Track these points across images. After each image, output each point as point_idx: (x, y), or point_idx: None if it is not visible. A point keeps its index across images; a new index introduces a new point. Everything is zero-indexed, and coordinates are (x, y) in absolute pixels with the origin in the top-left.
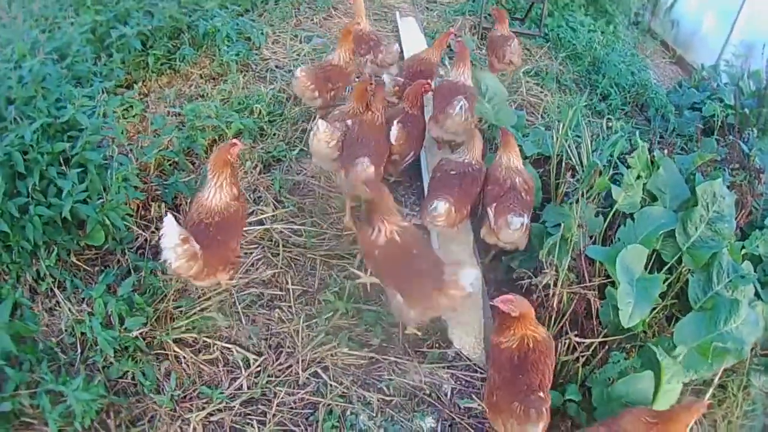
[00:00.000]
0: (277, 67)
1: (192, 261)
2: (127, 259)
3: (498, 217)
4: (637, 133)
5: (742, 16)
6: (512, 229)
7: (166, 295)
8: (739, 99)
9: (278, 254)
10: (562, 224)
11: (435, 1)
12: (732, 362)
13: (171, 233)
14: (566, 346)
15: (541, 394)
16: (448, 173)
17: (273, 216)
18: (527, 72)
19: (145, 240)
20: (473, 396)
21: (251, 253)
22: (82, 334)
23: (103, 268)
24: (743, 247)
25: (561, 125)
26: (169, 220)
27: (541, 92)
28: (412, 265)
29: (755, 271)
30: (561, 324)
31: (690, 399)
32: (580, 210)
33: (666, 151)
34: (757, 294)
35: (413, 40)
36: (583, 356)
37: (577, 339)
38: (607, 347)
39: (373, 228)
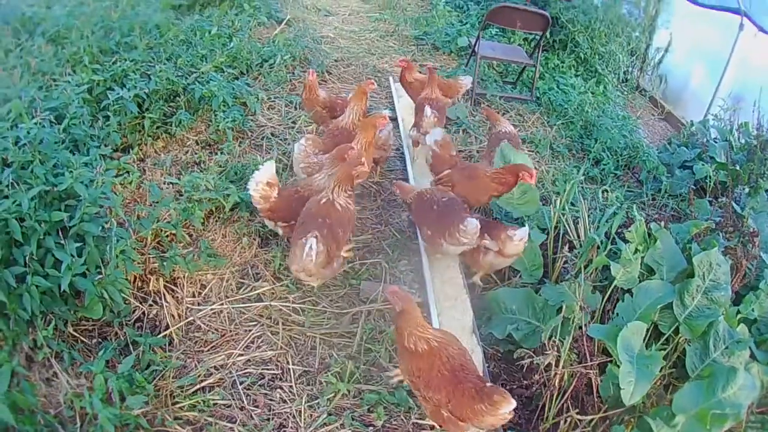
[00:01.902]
0: (272, 134)
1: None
2: (125, 333)
3: None
4: (634, 206)
5: (730, 68)
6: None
7: (165, 373)
8: (729, 155)
9: (278, 332)
10: (564, 305)
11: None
12: (729, 425)
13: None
14: (567, 423)
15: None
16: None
17: (272, 293)
18: (523, 140)
19: (143, 313)
20: None
21: (251, 331)
22: (82, 408)
23: (100, 340)
24: (738, 312)
25: (558, 199)
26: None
27: (535, 160)
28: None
29: (750, 332)
30: (562, 402)
31: None
32: (581, 291)
33: (663, 223)
34: (752, 355)
35: (407, 105)
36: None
37: (579, 416)
38: (608, 421)
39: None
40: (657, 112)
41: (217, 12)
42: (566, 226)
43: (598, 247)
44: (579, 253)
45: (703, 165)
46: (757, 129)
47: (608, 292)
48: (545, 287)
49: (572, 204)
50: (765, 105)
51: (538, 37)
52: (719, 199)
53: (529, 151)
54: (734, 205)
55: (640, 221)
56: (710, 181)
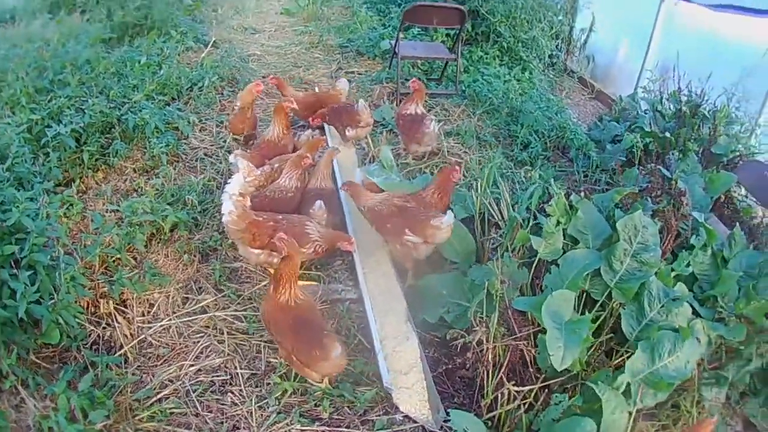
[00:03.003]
0: (205, 155)
1: None
2: (83, 355)
3: None
4: (552, 181)
5: (655, 39)
6: None
7: (123, 389)
8: (659, 124)
9: (224, 341)
10: (486, 282)
11: (353, 72)
12: (680, 380)
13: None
14: (506, 396)
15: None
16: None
17: (215, 304)
18: (448, 133)
19: (98, 336)
20: None
21: (198, 342)
22: (50, 428)
23: (61, 365)
24: (672, 270)
25: (479, 184)
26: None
27: (462, 150)
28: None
29: (692, 291)
30: (499, 376)
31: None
32: (502, 265)
33: (583, 194)
34: (695, 313)
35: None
36: (525, 403)
37: (515, 388)
38: (547, 390)
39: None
40: (587, 92)
41: (146, 41)
42: (490, 208)
43: (522, 225)
44: (504, 233)
45: (629, 135)
46: (686, 95)
47: (533, 266)
48: (472, 269)
49: (496, 186)
50: (692, 71)
51: (457, 31)
52: (647, 166)
53: (455, 142)
54: (663, 169)
55: (559, 195)
56: (637, 150)
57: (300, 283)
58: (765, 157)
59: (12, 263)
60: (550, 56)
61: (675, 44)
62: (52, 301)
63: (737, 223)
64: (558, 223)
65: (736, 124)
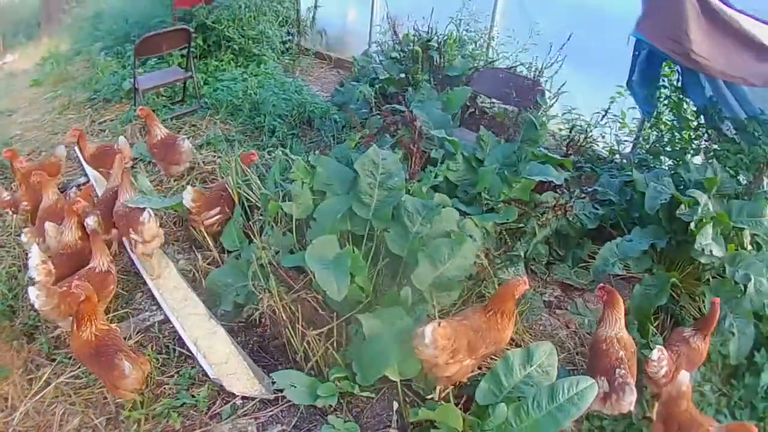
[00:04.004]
0: None
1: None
2: None
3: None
4: (287, 150)
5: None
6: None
7: None
8: (394, 69)
9: (75, 402)
10: (253, 255)
11: (105, 120)
12: (466, 275)
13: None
14: (312, 344)
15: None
16: None
17: (54, 374)
18: (200, 146)
19: None
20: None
21: (55, 413)
22: None
23: None
24: (422, 184)
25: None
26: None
27: (216, 157)
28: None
29: (458, 197)
30: (298, 329)
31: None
32: (268, 237)
33: (318, 152)
34: (463, 213)
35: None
36: (332, 343)
37: (312, 332)
38: (347, 325)
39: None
40: (326, 64)
41: None
42: (245, 195)
43: (275, 199)
44: (262, 211)
45: (360, 90)
46: (415, 35)
47: (294, 229)
48: (243, 250)
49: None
50: (417, 13)
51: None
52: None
53: (207, 152)
54: (396, 106)
55: (296, 159)
56: (371, 99)
57: (113, 326)
58: (506, 65)
59: None
60: (282, 43)
61: None
62: None
63: (481, 126)
64: (303, 183)
65: (469, 45)
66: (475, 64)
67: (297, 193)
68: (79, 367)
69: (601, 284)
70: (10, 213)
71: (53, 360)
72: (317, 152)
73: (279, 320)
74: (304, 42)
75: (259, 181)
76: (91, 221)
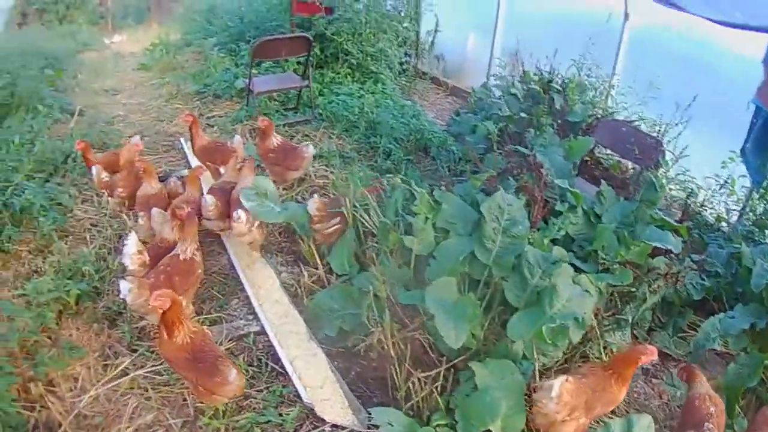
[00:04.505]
0: (92, 225)
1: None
2: None
3: None
4: (412, 182)
5: (500, 30)
6: None
7: None
8: (514, 107)
9: (150, 397)
10: (371, 286)
11: (213, 116)
12: (578, 336)
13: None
14: (417, 384)
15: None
16: None
17: (133, 364)
18: (315, 157)
19: (36, 420)
20: None
21: (128, 404)
22: None
23: None
24: (545, 236)
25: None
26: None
27: (328, 171)
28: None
29: (573, 251)
30: (405, 368)
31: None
32: (384, 268)
33: (444, 187)
34: (578, 270)
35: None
36: (437, 387)
37: (422, 374)
38: (455, 370)
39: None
40: (442, 90)
41: (15, 120)
42: (362, 220)
43: (394, 228)
44: (379, 239)
45: (484, 124)
46: (537, 74)
47: (412, 263)
48: (356, 277)
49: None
50: (539, 51)
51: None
52: (504, 148)
53: (321, 165)
54: (519, 148)
55: (421, 192)
56: (493, 136)
57: (205, 329)
58: (624, 116)
59: None
60: (400, 63)
61: (519, 29)
62: None
63: (602, 180)
64: (426, 218)
65: (589, 91)
66: (594, 112)
67: (419, 227)
68: (161, 364)
69: (683, 365)
70: (106, 195)
71: (134, 351)
72: (442, 187)
73: (387, 355)
74: (421, 65)
75: (377, 208)
76: (209, 201)
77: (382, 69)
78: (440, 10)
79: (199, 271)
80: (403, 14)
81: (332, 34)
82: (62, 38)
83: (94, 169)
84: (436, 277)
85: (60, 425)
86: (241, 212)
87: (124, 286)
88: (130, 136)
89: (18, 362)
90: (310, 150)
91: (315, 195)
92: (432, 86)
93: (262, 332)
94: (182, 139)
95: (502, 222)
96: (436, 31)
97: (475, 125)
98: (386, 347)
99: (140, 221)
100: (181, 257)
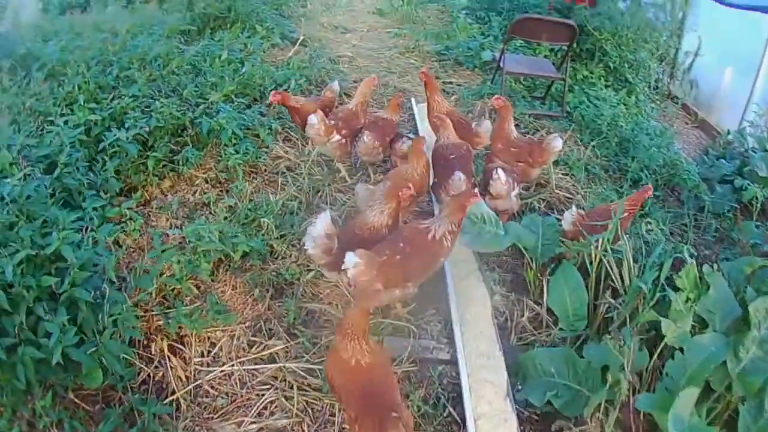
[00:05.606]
0: (288, 169)
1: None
2: (128, 399)
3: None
4: (685, 248)
5: (763, 71)
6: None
7: None
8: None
9: (293, 398)
10: (609, 376)
11: (451, 82)
12: None
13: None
14: None
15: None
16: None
17: (286, 352)
18: (554, 162)
19: (149, 376)
20: None
21: (263, 396)
22: None
23: (104, 406)
24: None
25: (600, 240)
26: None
27: (570, 183)
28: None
29: None
30: None
31: None
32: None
33: (716, 267)
34: None
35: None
36: None
37: None
38: None
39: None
40: (690, 119)
41: (228, 35)
42: (609, 268)
43: (645, 297)
44: (624, 301)
45: (745, 182)
46: None
47: (658, 351)
48: (588, 347)
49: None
50: None
51: (565, 48)
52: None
53: (563, 173)
54: None
55: (691, 265)
56: (757, 202)
57: (386, 351)
58: None
59: (51, 296)
60: (656, 80)
61: None
62: (94, 346)
63: None
64: (687, 299)
65: None
66: None
67: (678, 310)
68: (321, 362)
69: None
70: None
71: (292, 336)
72: (713, 267)
73: None
74: (672, 87)
75: (632, 261)
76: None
77: (637, 81)
78: (704, 32)
79: (442, 259)
80: (664, 27)
81: (592, 29)
82: None
83: (314, 117)
84: (676, 374)
85: (173, 392)
86: (500, 172)
87: (350, 258)
88: (354, 82)
89: (149, 306)
90: (559, 143)
91: (573, 207)
92: (680, 113)
93: (452, 362)
94: (413, 100)
95: (762, 331)
96: (697, 54)
97: (726, 175)
98: None
99: (365, 139)
100: (429, 236)
